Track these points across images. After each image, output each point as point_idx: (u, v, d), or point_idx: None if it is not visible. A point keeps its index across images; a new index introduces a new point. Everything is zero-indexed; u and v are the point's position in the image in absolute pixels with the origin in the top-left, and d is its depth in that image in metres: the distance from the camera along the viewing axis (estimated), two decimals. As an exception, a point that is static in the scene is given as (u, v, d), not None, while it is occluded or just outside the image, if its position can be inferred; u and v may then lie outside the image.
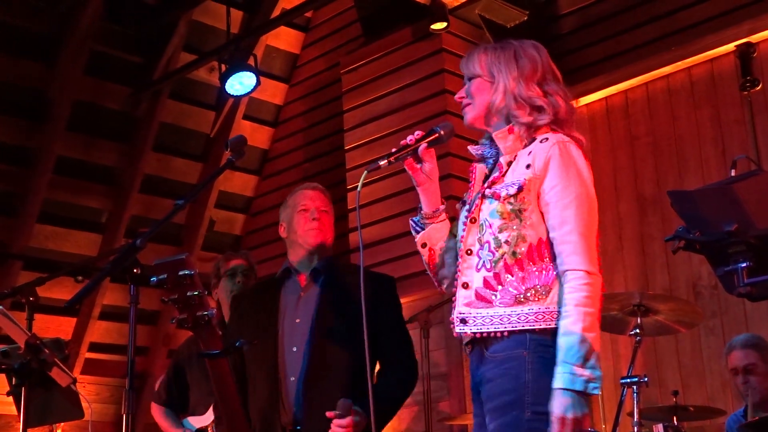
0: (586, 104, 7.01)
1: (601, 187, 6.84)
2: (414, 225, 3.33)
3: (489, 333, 3.02)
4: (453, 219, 3.31)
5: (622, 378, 4.87)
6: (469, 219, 3.13)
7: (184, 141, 8.66)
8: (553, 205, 3.06)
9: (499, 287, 3.02)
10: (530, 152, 3.10)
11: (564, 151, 3.08)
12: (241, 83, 7.46)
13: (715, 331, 6.21)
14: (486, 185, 3.13)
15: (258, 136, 8.91)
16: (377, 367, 4.01)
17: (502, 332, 3.01)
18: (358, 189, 3.19)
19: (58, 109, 7.74)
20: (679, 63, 6.56)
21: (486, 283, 3.04)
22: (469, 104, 3.24)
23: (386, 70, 7.37)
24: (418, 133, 3.18)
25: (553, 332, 2.99)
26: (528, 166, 3.07)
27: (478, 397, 3.13)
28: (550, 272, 3.04)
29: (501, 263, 3.02)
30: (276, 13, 8.25)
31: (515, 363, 2.98)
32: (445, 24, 6.84)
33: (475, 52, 3.27)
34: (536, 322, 2.99)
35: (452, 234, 3.27)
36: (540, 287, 3.02)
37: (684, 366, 6.31)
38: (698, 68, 6.56)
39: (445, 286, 3.31)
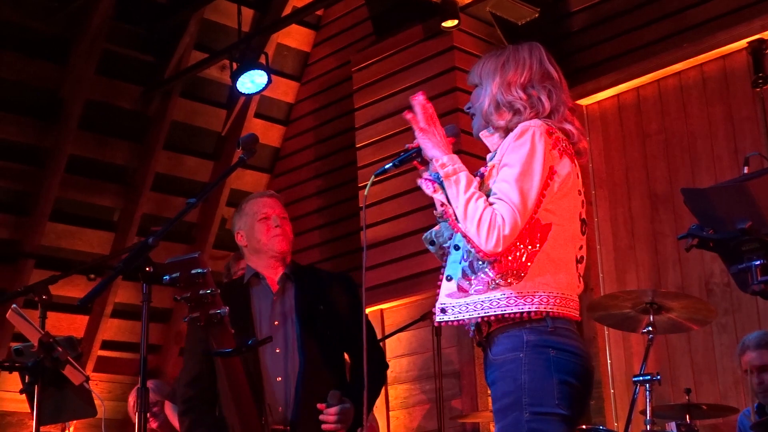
0: (598, 101, 7.00)
1: (613, 184, 6.85)
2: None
3: (468, 322, 3.08)
4: None
5: (635, 376, 4.87)
6: None
7: (196, 139, 8.67)
8: (506, 167, 3.05)
9: (472, 275, 3.06)
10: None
11: (521, 132, 3.07)
12: (252, 81, 7.47)
13: (727, 328, 6.19)
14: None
15: (269, 134, 8.92)
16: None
17: (503, 333, 3.04)
18: (365, 192, 3.20)
19: (70, 109, 7.76)
20: (691, 60, 6.54)
21: (464, 273, 3.08)
22: (474, 114, 3.31)
23: (397, 68, 7.37)
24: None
25: (548, 326, 3.02)
26: (494, 156, 3.14)
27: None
28: (523, 256, 3.02)
29: (473, 252, 3.03)
30: (287, 11, 8.25)
31: (513, 365, 3.00)
32: (456, 22, 6.83)
33: (478, 62, 3.35)
34: (507, 306, 3.01)
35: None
36: (513, 272, 3.02)
37: (696, 364, 6.30)
38: (710, 65, 6.54)
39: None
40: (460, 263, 3.11)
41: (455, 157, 3.06)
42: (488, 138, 3.25)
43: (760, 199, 2.57)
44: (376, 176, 3.18)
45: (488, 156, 3.21)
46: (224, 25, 8.36)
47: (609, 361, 6.62)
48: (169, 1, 8.06)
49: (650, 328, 4.86)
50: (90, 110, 7.90)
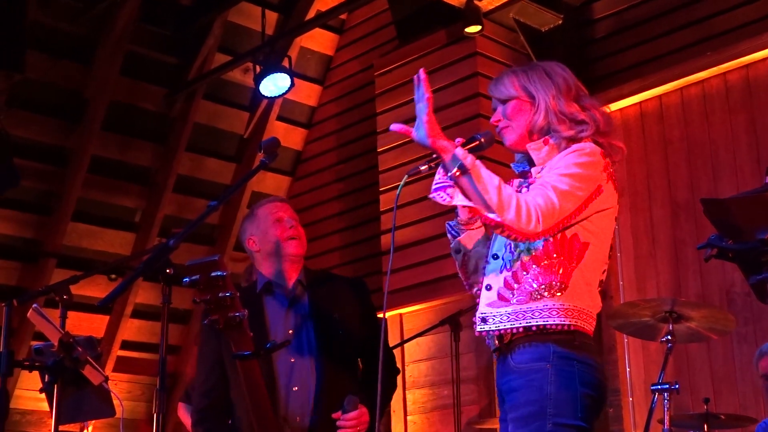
0: (620, 109, 6.98)
1: (635, 191, 6.83)
2: (450, 229, 3.37)
3: (508, 331, 3.08)
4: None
5: (653, 385, 4.85)
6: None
7: (218, 141, 8.71)
8: (554, 169, 3.08)
9: (516, 285, 3.09)
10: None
11: (580, 147, 3.10)
12: (275, 84, 7.50)
13: (747, 338, 6.16)
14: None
15: (291, 137, 8.94)
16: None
17: (527, 342, 3.06)
18: (398, 191, 3.18)
19: (94, 109, 7.81)
20: (714, 68, 6.52)
21: (506, 283, 3.10)
22: (507, 126, 3.26)
23: (420, 73, 7.37)
24: (459, 140, 3.17)
25: (574, 340, 3.05)
26: (543, 169, 3.14)
27: (503, 404, 3.19)
28: (567, 268, 3.06)
29: (518, 262, 3.08)
30: (311, 15, 8.28)
31: (539, 375, 3.03)
32: (479, 27, 6.83)
33: (504, 75, 3.32)
34: (550, 317, 3.04)
35: (486, 239, 3.31)
36: (556, 283, 3.06)
37: (715, 373, 6.27)
38: (733, 74, 6.51)
39: (476, 290, 3.33)
40: (500, 273, 3.13)
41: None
42: (536, 151, 3.21)
43: (780, 210, 2.57)
44: (410, 176, 3.14)
45: (535, 169, 3.20)
46: (248, 28, 8.39)
47: (628, 369, 6.60)
48: (193, 3, 8.09)
49: (669, 337, 4.84)
50: (114, 111, 7.95)
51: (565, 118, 3.17)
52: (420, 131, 3.04)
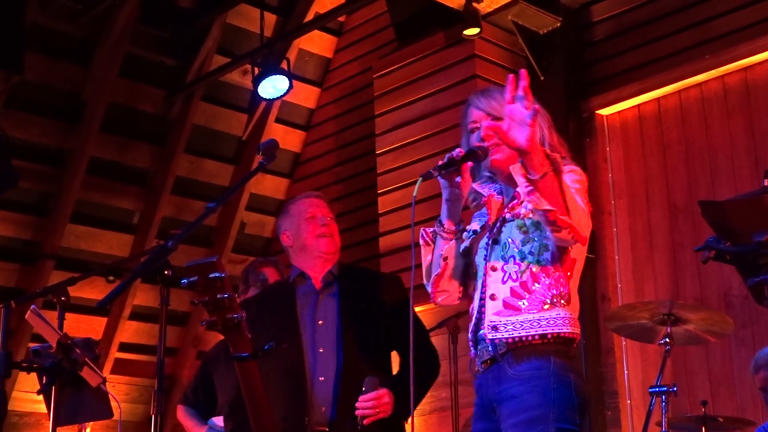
0: (619, 111, 6.99)
1: (633, 194, 6.83)
2: (424, 235, 3.46)
3: (520, 338, 3.17)
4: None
5: (651, 387, 4.85)
6: (491, 240, 3.30)
7: (217, 143, 8.71)
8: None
9: (527, 295, 3.19)
10: None
11: (571, 170, 3.25)
12: (273, 86, 7.49)
13: (745, 341, 6.16)
14: (506, 211, 3.31)
15: (290, 139, 8.94)
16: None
17: (528, 352, 3.17)
18: (414, 194, 3.18)
19: (93, 111, 7.81)
20: (712, 71, 6.53)
21: (513, 292, 3.20)
22: (498, 145, 3.25)
23: (418, 75, 7.37)
24: (459, 150, 3.26)
25: (569, 351, 3.21)
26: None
27: (489, 414, 3.27)
28: (567, 280, 3.23)
29: (527, 273, 3.20)
30: (309, 17, 8.28)
31: (542, 382, 3.14)
32: (477, 30, 6.83)
33: (494, 92, 3.38)
34: (564, 325, 3.18)
35: (466, 251, 3.42)
36: (565, 294, 3.20)
37: (713, 376, 6.28)
38: (732, 77, 6.52)
39: (441, 298, 3.46)
40: (504, 283, 3.23)
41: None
42: (519, 174, 3.20)
43: (778, 213, 2.57)
44: (423, 179, 3.20)
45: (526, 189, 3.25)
46: (247, 30, 8.40)
47: (626, 372, 6.60)
48: (192, 5, 8.09)
49: (667, 340, 4.85)
50: (112, 113, 7.95)
51: (550, 149, 3.24)
52: (522, 133, 2.97)
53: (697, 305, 5.66)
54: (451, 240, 3.38)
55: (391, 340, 4.07)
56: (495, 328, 3.20)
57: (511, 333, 3.18)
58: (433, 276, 3.43)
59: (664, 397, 4.79)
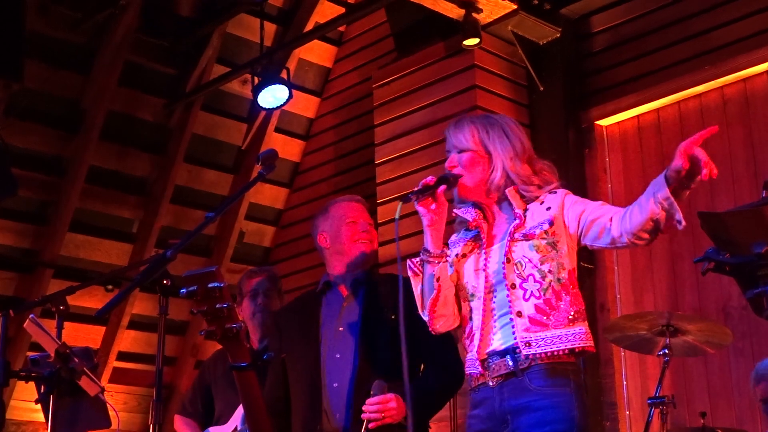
0: (618, 122, 6.99)
1: (632, 205, 6.83)
2: (411, 266, 3.57)
3: (553, 353, 3.30)
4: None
5: (650, 398, 4.86)
6: (506, 258, 3.37)
7: (216, 152, 8.71)
8: (582, 203, 3.42)
9: (553, 312, 3.31)
10: (542, 201, 3.44)
11: (567, 192, 3.47)
12: (273, 96, 7.49)
13: (744, 352, 6.16)
14: (512, 230, 3.40)
15: (289, 148, 8.94)
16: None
17: (548, 367, 3.30)
18: (396, 217, 3.43)
19: (92, 119, 7.80)
20: (711, 82, 6.53)
21: (538, 309, 3.32)
22: (463, 175, 3.49)
23: (418, 85, 7.38)
24: (431, 178, 3.46)
25: (580, 370, 3.38)
26: (548, 209, 3.40)
27: (499, 425, 3.35)
28: (580, 297, 3.39)
29: (550, 290, 3.32)
30: (309, 27, 8.29)
31: (565, 399, 3.29)
32: (477, 40, 6.83)
33: (464, 124, 3.56)
34: (587, 340, 3.34)
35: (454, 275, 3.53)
36: (582, 310, 3.36)
37: (712, 387, 6.27)
38: (731, 88, 6.52)
39: (439, 324, 3.52)
40: (527, 300, 3.33)
41: None
42: (513, 198, 3.48)
43: (777, 225, 2.57)
44: (404, 203, 3.43)
45: (519, 210, 3.45)
46: (247, 40, 8.41)
47: (624, 383, 6.60)
48: (192, 14, 8.10)
49: (666, 351, 4.86)
50: (111, 121, 7.94)
51: (519, 180, 3.44)
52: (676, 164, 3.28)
53: (696, 316, 5.66)
54: (439, 263, 3.47)
55: (415, 346, 4.04)
56: (528, 344, 3.30)
57: (544, 348, 3.29)
58: (428, 302, 3.48)
59: (662, 408, 4.80)
